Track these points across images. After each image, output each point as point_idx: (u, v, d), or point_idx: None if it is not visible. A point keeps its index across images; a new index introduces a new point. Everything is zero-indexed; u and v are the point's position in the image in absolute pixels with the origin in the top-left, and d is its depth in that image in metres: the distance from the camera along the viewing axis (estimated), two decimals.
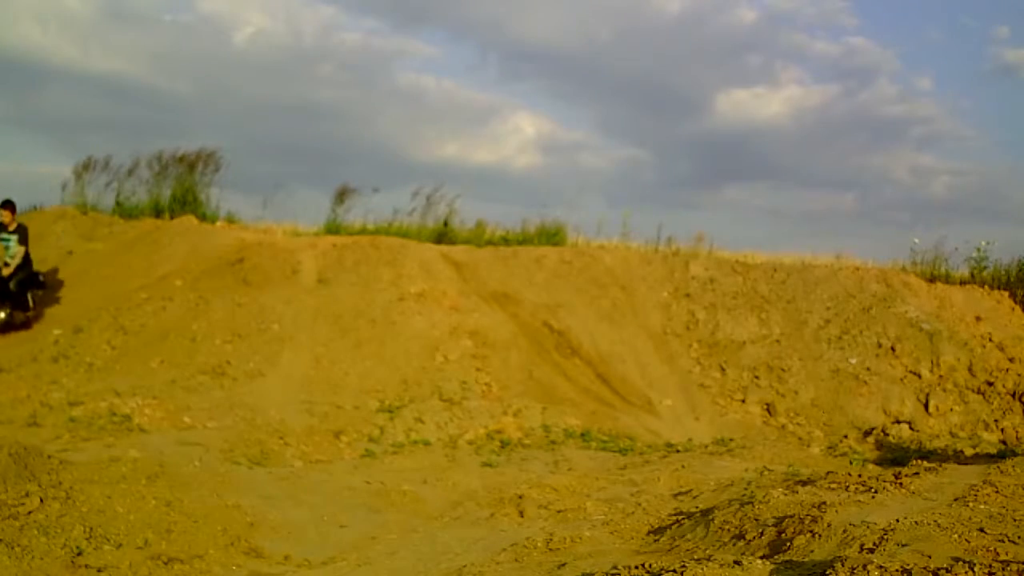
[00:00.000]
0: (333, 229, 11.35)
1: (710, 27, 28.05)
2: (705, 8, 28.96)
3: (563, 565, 2.46)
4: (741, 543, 2.38)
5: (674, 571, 1.84)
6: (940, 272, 10.98)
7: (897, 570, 1.65)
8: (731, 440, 7.24)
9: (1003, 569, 1.68)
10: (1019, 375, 8.97)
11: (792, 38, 28.43)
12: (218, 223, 11.13)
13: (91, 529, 2.49)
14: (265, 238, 10.50)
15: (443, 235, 11.40)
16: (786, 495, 2.73)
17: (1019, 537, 2.04)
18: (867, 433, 8.15)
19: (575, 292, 9.91)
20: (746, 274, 10.41)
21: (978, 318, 9.88)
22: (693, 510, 3.07)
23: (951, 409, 8.65)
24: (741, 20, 27.92)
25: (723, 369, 9.06)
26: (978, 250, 10.95)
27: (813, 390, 8.72)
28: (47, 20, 24.98)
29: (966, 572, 1.65)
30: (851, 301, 10.02)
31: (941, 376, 9.01)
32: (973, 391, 8.85)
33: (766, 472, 4.06)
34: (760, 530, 2.39)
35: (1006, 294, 10.44)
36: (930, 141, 27.16)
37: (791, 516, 2.38)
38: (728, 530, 2.54)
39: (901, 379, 8.99)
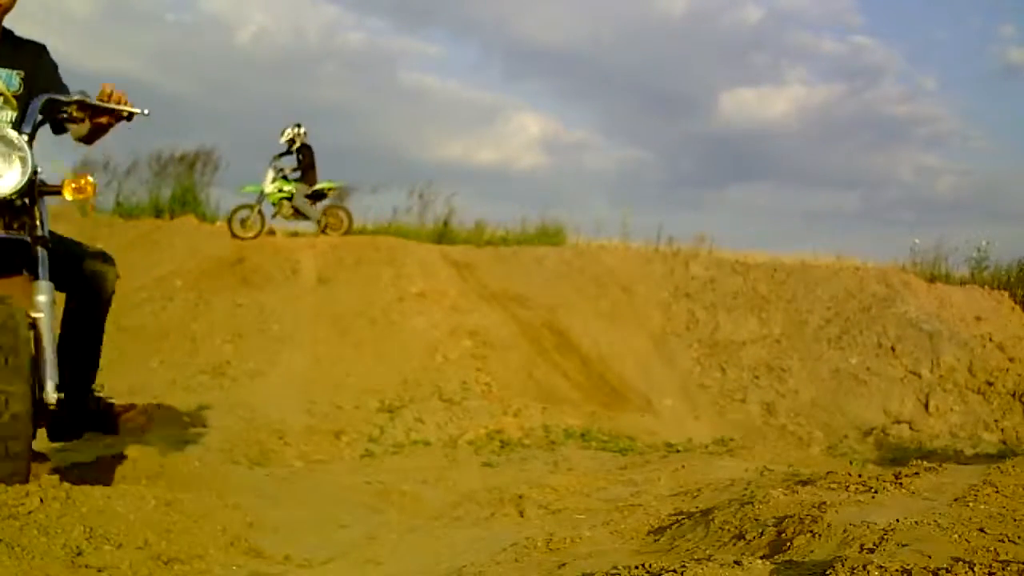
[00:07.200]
0: None
1: (715, 26, 28.07)
2: (710, 7, 28.97)
3: (563, 565, 2.46)
4: (741, 543, 2.38)
5: (674, 571, 1.84)
6: (940, 272, 11.00)
7: (897, 570, 1.65)
8: (731, 440, 7.25)
9: (1003, 569, 1.68)
10: (1019, 375, 8.98)
11: (797, 37, 28.41)
12: (218, 223, 11.13)
13: (91, 529, 2.48)
14: (265, 238, 10.51)
15: (443, 235, 11.43)
16: (786, 495, 2.72)
17: (1019, 537, 2.04)
18: (867, 433, 8.16)
19: (575, 292, 9.92)
20: (746, 274, 10.43)
21: (978, 318, 9.89)
22: (693, 510, 3.06)
23: (951, 409, 8.66)
24: (746, 19, 27.90)
25: (723, 369, 9.08)
26: (978, 250, 10.99)
27: (813, 390, 8.73)
28: (48, 18, 24.97)
29: (966, 572, 1.65)
30: (851, 301, 10.03)
31: (941, 376, 9.02)
32: (973, 391, 8.85)
33: (766, 472, 4.06)
34: (760, 530, 2.39)
35: (1006, 294, 10.45)
36: (935, 141, 27.18)
37: (791, 516, 2.38)
38: (728, 530, 2.53)
39: (901, 379, 9.00)
